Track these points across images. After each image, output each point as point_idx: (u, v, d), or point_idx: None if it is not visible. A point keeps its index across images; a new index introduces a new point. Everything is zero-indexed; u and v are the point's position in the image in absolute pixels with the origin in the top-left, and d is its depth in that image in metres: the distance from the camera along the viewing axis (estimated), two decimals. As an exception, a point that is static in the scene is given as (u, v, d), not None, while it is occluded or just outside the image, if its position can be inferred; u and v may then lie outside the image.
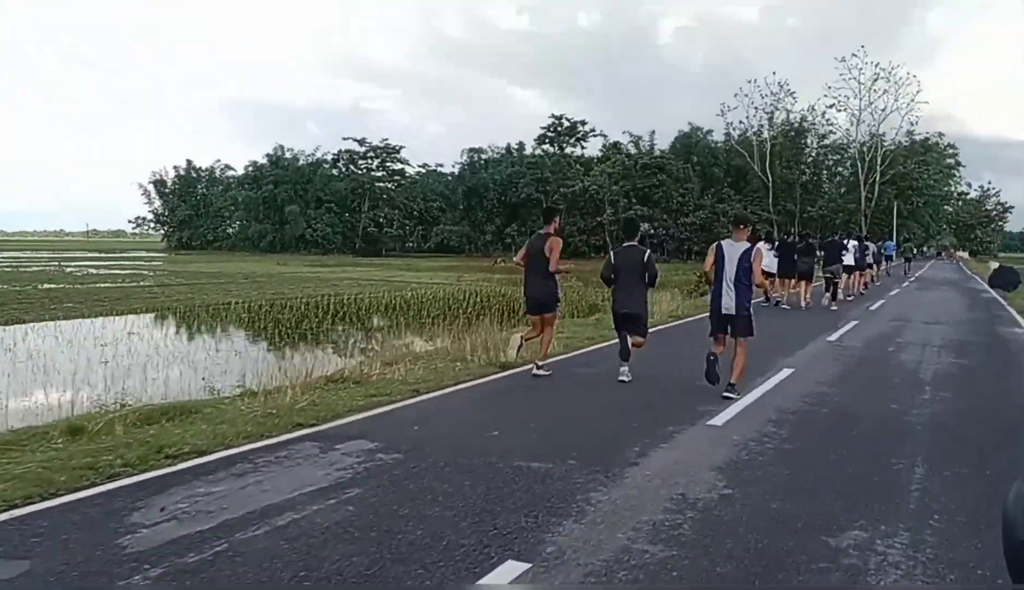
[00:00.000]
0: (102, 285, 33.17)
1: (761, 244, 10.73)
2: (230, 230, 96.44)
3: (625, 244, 9.55)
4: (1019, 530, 0.96)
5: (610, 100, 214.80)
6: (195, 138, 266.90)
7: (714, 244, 8.93)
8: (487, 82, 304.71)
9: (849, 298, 22.63)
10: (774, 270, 19.29)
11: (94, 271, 45.93)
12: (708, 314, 9.08)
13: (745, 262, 8.37)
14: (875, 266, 30.44)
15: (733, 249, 8.52)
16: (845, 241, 22.65)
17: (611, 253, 9.73)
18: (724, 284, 8.48)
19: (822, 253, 20.75)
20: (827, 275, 20.28)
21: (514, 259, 10.64)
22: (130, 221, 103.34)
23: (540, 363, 9.81)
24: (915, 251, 66.37)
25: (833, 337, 14.52)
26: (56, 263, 53.70)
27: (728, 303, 8.46)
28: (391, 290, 31.88)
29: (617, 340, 9.77)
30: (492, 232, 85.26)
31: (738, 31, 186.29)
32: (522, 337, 10.16)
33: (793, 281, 20.21)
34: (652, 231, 79.49)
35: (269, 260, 68.54)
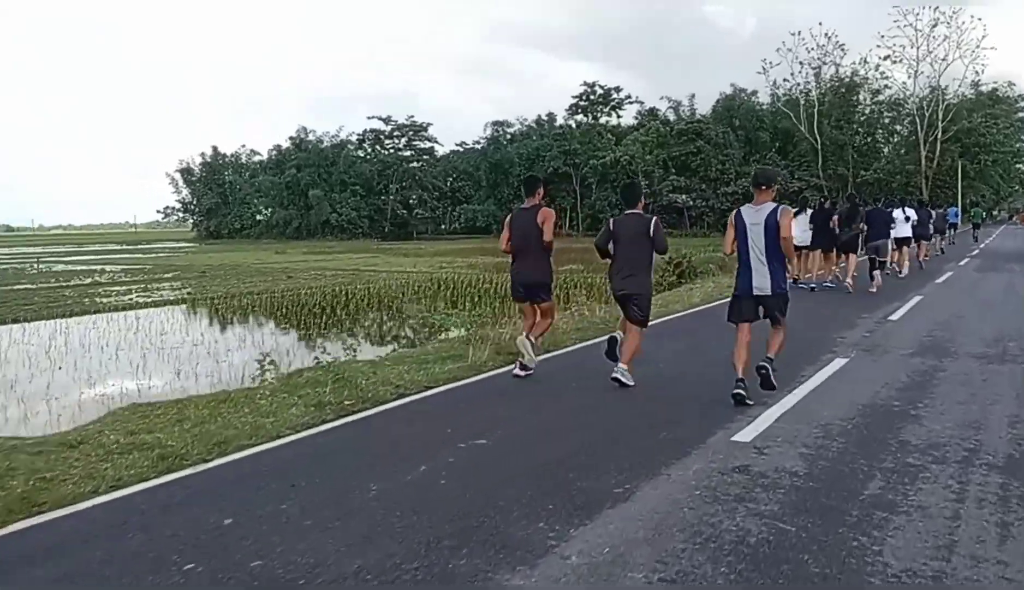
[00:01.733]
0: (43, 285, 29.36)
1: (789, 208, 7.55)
2: (260, 217, 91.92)
3: (626, 212, 7.87)
4: None
5: (653, 67, 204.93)
6: (247, 124, 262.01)
7: (731, 215, 7.13)
8: (529, 56, 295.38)
9: (900, 275, 18.70)
10: (806, 243, 15.78)
11: (62, 268, 41.75)
12: (731, 299, 7.29)
13: (772, 225, 6.66)
14: (939, 235, 26.93)
15: (755, 215, 6.85)
16: (894, 209, 18.42)
17: (609, 220, 7.99)
18: (753, 259, 6.79)
19: (864, 225, 16.04)
20: (870, 254, 16.03)
21: (500, 247, 8.42)
22: (158, 211, 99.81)
23: (523, 361, 8.24)
24: (984, 216, 57.75)
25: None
26: (34, 261, 49.76)
27: (761, 281, 6.82)
28: (352, 281, 28.10)
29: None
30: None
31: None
32: (527, 336, 8.20)
33: (833, 256, 16.73)
34: (691, 203, 72.78)
35: (288, 248, 64.31)
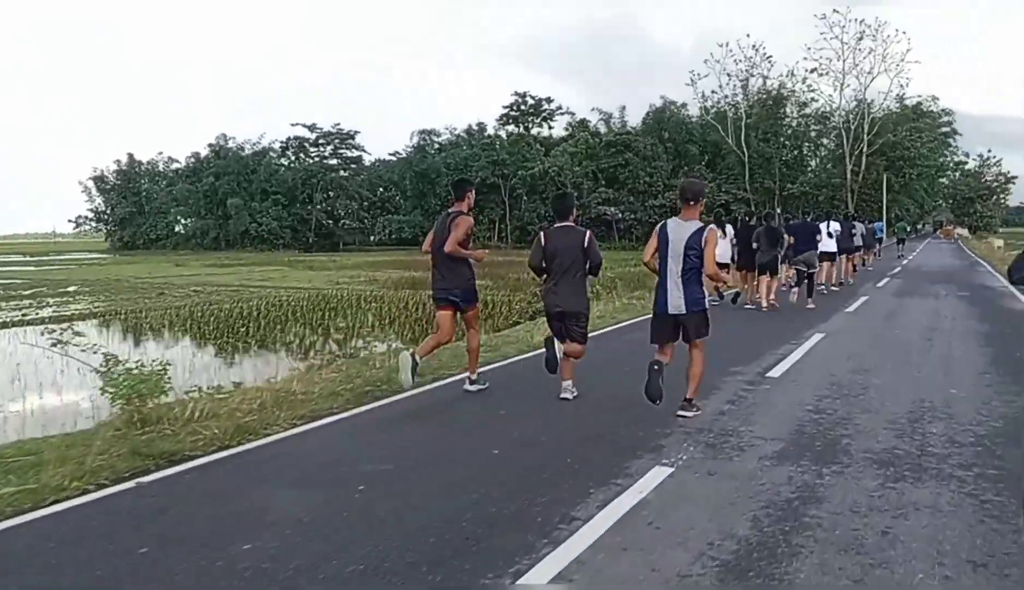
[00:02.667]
0: None
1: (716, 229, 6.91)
2: (178, 228, 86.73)
3: (557, 224, 7.21)
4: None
5: (594, 80, 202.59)
6: (165, 131, 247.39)
7: (657, 227, 6.73)
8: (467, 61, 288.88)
9: (833, 288, 18.10)
10: (727, 260, 14.56)
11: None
12: (651, 316, 6.78)
13: (695, 246, 6.33)
14: (867, 249, 26.28)
15: (680, 230, 6.44)
16: (823, 222, 17.87)
17: (540, 235, 7.27)
18: (669, 277, 6.45)
19: (791, 238, 14.99)
20: (798, 267, 15.18)
21: (422, 248, 7.84)
22: (70, 221, 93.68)
23: (473, 376, 7.76)
24: (908, 230, 56.29)
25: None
26: None
27: (676, 301, 6.45)
28: (226, 301, 24.74)
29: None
30: (447, 221, 75.33)
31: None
32: (414, 353, 7.31)
33: (753, 276, 15.44)
34: (620, 216, 70.45)
35: (199, 259, 60.01)
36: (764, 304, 14.44)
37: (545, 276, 7.24)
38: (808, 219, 17.66)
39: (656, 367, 6.36)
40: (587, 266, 7.08)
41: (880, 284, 19.43)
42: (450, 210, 7.52)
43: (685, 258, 6.32)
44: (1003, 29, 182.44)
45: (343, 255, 67.29)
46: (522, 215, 74.14)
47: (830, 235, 17.40)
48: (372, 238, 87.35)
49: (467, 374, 7.83)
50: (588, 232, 7.10)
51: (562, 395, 7.18)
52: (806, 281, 14.99)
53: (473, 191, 7.69)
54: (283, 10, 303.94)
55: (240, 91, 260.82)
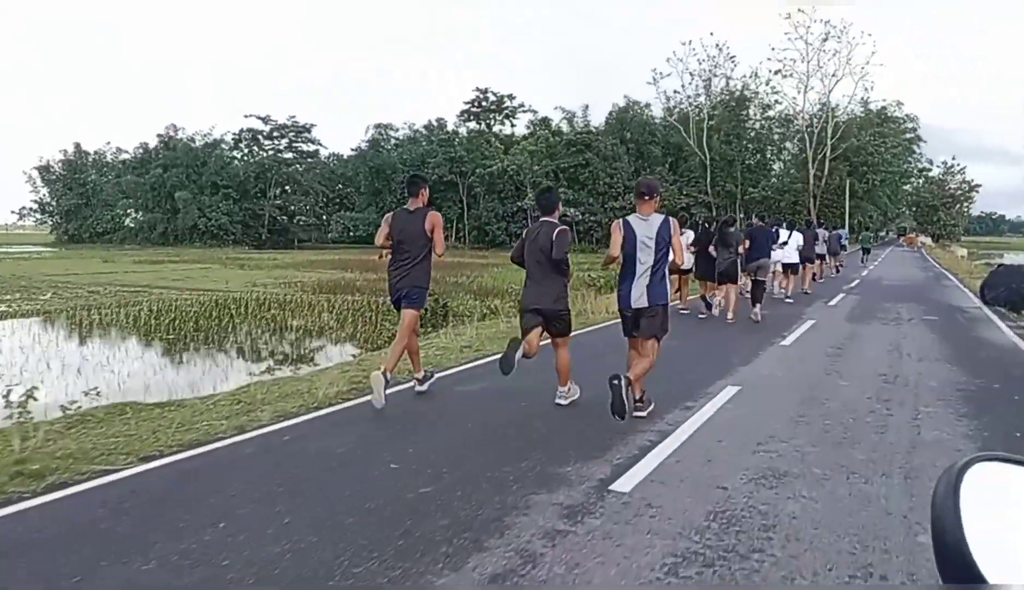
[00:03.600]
0: None
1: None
2: (128, 221, 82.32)
3: (541, 219, 6.88)
4: (948, 531, 0.87)
5: (557, 75, 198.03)
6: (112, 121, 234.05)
7: (616, 222, 6.55)
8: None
9: (788, 300, 16.65)
10: (687, 267, 13.87)
11: None
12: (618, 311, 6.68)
13: (665, 237, 6.21)
14: (830, 257, 25.29)
15: (646, 225, 6.29)
16: (779, 230, 16.94)
17: (525, 230, 7.15)
18: (638, 271, 6.24)
19: (746, 242, 13.96)
20: (750, 274, 14.05)
21: (376, 242, 7.35)
22: (13, 212, 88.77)
23: (420, 375, 7.53)
24: (872, 238, 53.83)
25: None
26: None
27: (639, 294, 6.27)
28: (115, 303, 21.27)
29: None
30: (402, 219, 71.77)
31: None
32: (385, 371, 6.76)
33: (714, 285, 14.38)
34: (580, 217, 67.43)
35: (141, 255, 56.38)
36: (729, 316, 13.26)
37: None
38: (763, 223, 15.93)
39: (616, 381, 5.79)
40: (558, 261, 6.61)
41: (833, 302, 16.15)
42: (408, 207, 7.25)
43: (656, 251, 6.18)
44: (972, 39, 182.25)
45: (292, 253, 63.72)
46: (480, 214, 70.90)
47: (793, 246, 16.44)
48: (330, 235, 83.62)
49: (414, 376, 7.59)
50: (561, 227, 6.63)
51: (557, 400, 6.84)
52: (757, 289, 13.72)
53: (427, 188, 7.48)
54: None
55: (195, 81, 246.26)
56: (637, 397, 6.23)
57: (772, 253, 15.11)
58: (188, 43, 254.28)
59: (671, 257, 6.26)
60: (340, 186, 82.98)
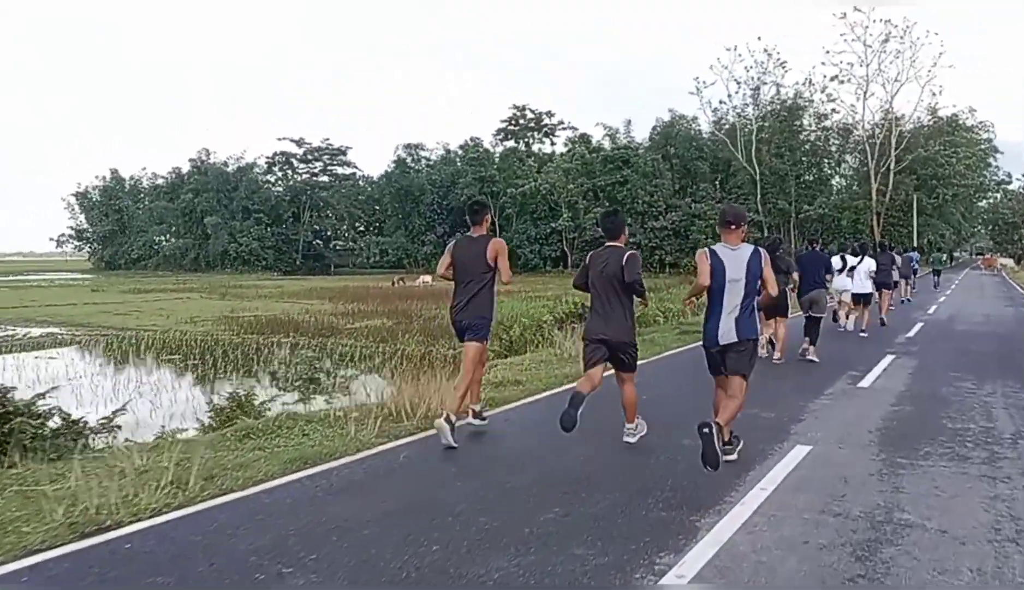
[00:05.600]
0: None
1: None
2: (161, 247, 79.91)
3: (607, 244, 6.32)
4: None
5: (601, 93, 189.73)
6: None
7: (702, 251, 5.93)
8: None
9: (863, 333, 13.99)
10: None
11: None
12: (702, 345, 5.96)
13: (756, 270, 5.65)
14: (905, 280, 23.16)
15: (735, 256, 5.69)
16: (844, 253, 14.50)
17: (589, 256, 6.47)
18: (727, 305, 5.66)
19: (796, 274, 11.30)
20: (804, 311, 11.56)
21: (437, 272, 7.08)
22: (51, 239, 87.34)
23: (477, 408, 6.94)
24: (945, 260, 46.80)
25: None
26: None
27: (727, 329, 5.67)
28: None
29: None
30: (433, 242, 67.17)
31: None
32: (448, 416, 6.18)
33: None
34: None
35: (134, 284, 53.04)
36: (776, 356, 10.98)
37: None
38: (816, 248, 12.80)
39: (708, 429, 5.00)
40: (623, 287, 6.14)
41: (869, 379, 9.13)
42: (471, 234, 6.75)
43: (746, 285, 5.66)
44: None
45: (320, 279, 59.72)
46: (511, 237, 65.64)
47: (865, 271, 14.15)
48: (362, 260, 79.33)
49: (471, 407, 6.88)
50: (631, 252, 6.18)
51: (625, 438, 6.25)
52: (813, 328, 11.32)
53: (490, 215, 7.01)
54: (280, 14, 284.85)
55: (233, 103, 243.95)
56: (725, 440, 5.48)
57: (836, 281, 13.65)
58: (226, 66, 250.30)
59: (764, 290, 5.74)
60: (377, 209, 79.09)
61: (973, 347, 12.69)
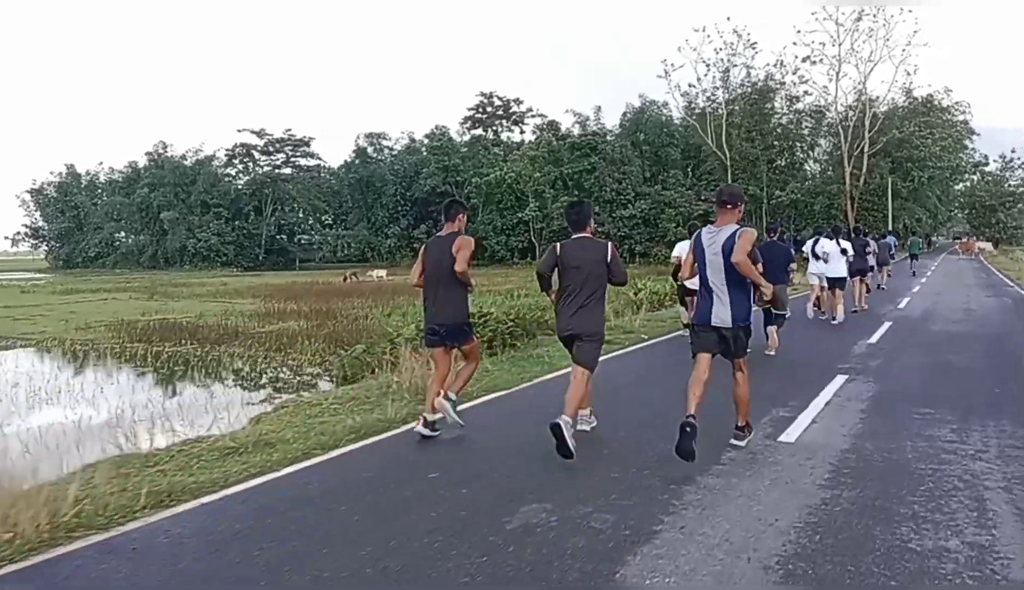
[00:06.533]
0: None
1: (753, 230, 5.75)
2: (119, 244, 76.27)
3: (574, 236, 6.04)
4: None
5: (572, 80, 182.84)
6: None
7: (688, 239, 6.56)
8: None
9: (834, 321, 13.48)
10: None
11: None
12: (688, 330, 6.44)
13: (729, 248, 5.42)
14: (880, 267, 21.96)
15: (714, 237, 5.55)
16: (819, 236, 14.40)
17: (556, 245, 6.08)
18: (713, 286, 5.56)
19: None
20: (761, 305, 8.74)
21: (411, 281, 6.59)
22: (6, 237, 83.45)
23: (453, 396, 6.36)
24: (921, 245, 44.49)
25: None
26: None
27: (721, 311, 5.52)
28: None
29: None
30: (396, 235, 64.06)
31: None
32: (446, 393, 6.23)
33: None
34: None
35: (97, 281, 49.72)
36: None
37: (558, 296, 6.06)
38: (774, 238, 11.62)
39: (688, 428, 5.08)
40: (606, 283, 5.96)
41: (798, 426, 6.24)
42: (441, 233, 6.41)
43: (725, 264, 5.45)
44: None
45: (276, 275, 56.62)
46: (477, 228, 62.63)
47: (843, 252, 13.70)
48: (336, 253, 75.88)
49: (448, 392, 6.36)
50: (610, 244, 5.95)
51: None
52: (773, 321, 10.14)
53: (465, 214, 6.51)
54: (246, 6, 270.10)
55: (193, 95, 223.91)
56: (740, 424, 5.75)
57: (814, 265, 13.79)
58: (182, 55, 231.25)
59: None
60: (340, 202, 75.87)
61: (952, 358, 9.86)
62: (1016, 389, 7.85)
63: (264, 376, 13.57)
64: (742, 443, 5.63)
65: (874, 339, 11.57)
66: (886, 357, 9.92)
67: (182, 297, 36.31)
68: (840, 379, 8.20)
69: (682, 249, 10.60)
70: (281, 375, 13.50)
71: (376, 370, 9.71)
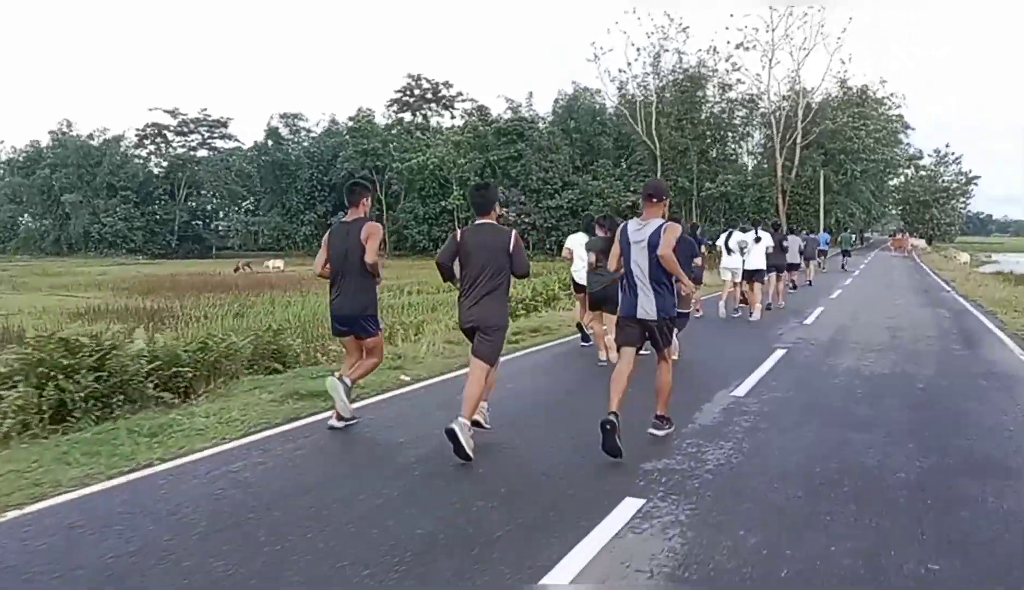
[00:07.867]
0: None
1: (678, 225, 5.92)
2: (20, 228, 69.84)
3: (477, 221, 5.51)
4: None
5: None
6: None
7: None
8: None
9: (752, 318, 12.95)
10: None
11: None
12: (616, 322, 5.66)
13: (655, 242, 5.22)
14: (808, 262, 21.71)
15: (640, 231, 5.34)
16: (733, 229, 14.06)
17: (457, 232, 5.57)
18: (637, 280, 5.31)
19: None
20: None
21: (315, 270, 6.12)
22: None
23: (348, 381, 6.00)
24: (854, 240, 41.73)
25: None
26: None
27: (646, 304, 5.29)
28: None
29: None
30: (312, 222, 59.11)
31: None
32: (341, 377, 5.84)
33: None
34: (513, 218, 54.51)
35: None
36: (603, 356, 8.67)
37: (460, 285, 5.52)
38: (691, 232, 10.73)
39: (608, 426, 4.86)
40: (510, 273, 5.42)
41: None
42: (344, 219, 5.92)
43: (649, 258, 5.26)
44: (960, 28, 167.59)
45: (181, 263, 51.54)
46: (398, 216, 58.06)
47: (757, 239, 12.98)
48: (256, 240, 70.38)
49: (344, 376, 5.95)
50: (514, 232, 5.47)
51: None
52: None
53: (370, 197, 6.22)
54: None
55: (102, 71, 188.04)
56: (659, 413, 5.50)
57: (727, 260, 13.23)
58: (90, 28, 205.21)
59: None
60: (259, 186, 70.38)
61: (855, 440, 5.66)
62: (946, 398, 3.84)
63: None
64: (660, 434, 5.38)
65: (741, 391, 7.01)
66: (737, 440, 5.48)
67: (32, 289, 31.38)
68: (638, 505, 4.00)
69: (573, 242, 9.51)
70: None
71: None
